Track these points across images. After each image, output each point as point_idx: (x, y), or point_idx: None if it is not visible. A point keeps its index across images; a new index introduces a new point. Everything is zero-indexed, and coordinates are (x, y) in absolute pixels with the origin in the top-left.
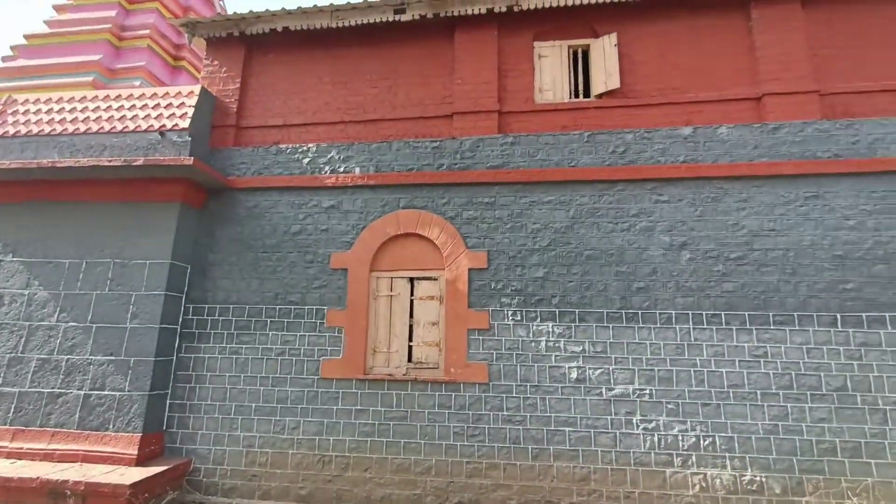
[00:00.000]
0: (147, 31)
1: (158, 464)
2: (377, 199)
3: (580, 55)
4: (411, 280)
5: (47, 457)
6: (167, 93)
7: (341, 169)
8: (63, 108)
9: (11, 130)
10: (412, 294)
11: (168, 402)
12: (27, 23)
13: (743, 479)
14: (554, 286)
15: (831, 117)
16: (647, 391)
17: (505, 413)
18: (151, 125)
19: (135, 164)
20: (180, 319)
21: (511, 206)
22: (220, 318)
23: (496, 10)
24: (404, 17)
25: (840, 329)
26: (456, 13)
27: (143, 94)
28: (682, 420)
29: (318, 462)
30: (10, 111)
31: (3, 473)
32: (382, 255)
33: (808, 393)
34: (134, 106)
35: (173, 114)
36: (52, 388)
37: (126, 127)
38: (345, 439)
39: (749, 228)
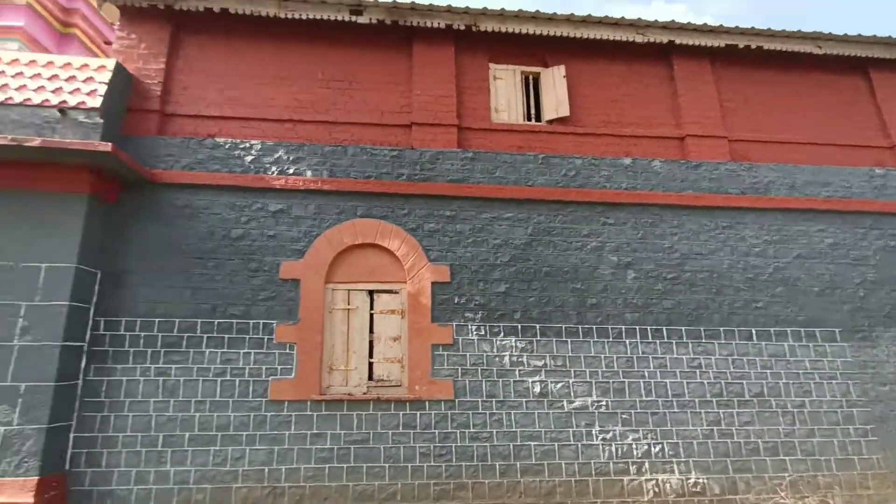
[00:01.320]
0: None
1: None
2: (332, 206)
3: (531, 81)
4: (371, 293)
5: None
6: (69, 63)
7: (290, 171)
8: None
9: None
10: (372, 307)
11: (72, 436)
12: None
13: (688, 481)
14: (516, 301)
15: (737, 160)
16: (604, 403)
17: (471, 430)
18: (47, 99)
19: (28, 144)
20: (88, 336)
21: (473, 220)
22: (142, 334)
23: (455, 26)
24: (360, 19)
25: (755, 342)
26: (415, 23)
27: (35, 62)
28: (634, 429)
29: (268, 495)
30: None
31: None
32: (339, 265)
33: (735, 399)
34: (21, 74)
35: (77, 89)
36: None
37: (10, 98)
38: (299, 467)
39: (681, 252)
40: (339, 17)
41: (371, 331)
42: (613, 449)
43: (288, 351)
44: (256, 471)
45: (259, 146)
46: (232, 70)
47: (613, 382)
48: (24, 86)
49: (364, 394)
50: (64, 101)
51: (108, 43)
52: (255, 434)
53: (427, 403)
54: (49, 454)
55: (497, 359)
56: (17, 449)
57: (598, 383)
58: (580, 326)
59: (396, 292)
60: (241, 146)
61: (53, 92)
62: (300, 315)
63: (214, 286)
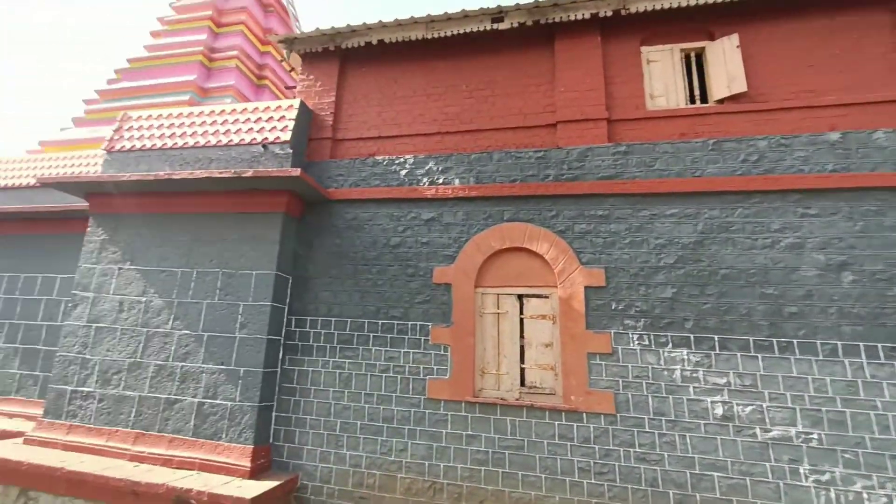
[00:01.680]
0: (235, 52)
1: (269, 478)
2: (479, 212)
3: (693, 59)
4: (520, 297)
5: (166, 462)
6: (267, 107)
7: (440, 180)
8: (172, 124)
9: (128, 145)
10: (521, 312)
11: (274, 414)
12: (129, 49)
13: None
14: (686, 308)
15: None
16: (815, 436)
17: (637, 450)
18: (254, 138)
19: (244, 175)
20: (283, 331)
21: (628, 219)
22: (323, 332)
23: (601, 14)
24: (502, 26)
25: None
26: (557, 20)
27: (245, 109)
28: (865, 474)
29: (428, 488)
30: (125, 127)
31: (130, 478)
32: (487, 270)
33: None
34: (237, 120)
35: (274, 127)
36: (169, 394)
37: (231, 140)
38: (456, 466)
39: None
40: (482, 28)
41: (522, 335)
42: (833, 496)
43: (443, 352)
44: (418, 464)
45: (412, 160)
46: (387, 93)
47: (828, 412)
48: (239, 129)
49: (517, 399)
50: (265, 139)
51: (289, 87)
52: (416, 429)
53: (585, 416)
54: (259, 428)
55: (665, 372)
56: (239, 420)
57: (805, 411)
58: (774, 340)
59: (546, 297)
60: (397, 161)
61: (258, 132)
62: (453, 318)
63: (378, 290)
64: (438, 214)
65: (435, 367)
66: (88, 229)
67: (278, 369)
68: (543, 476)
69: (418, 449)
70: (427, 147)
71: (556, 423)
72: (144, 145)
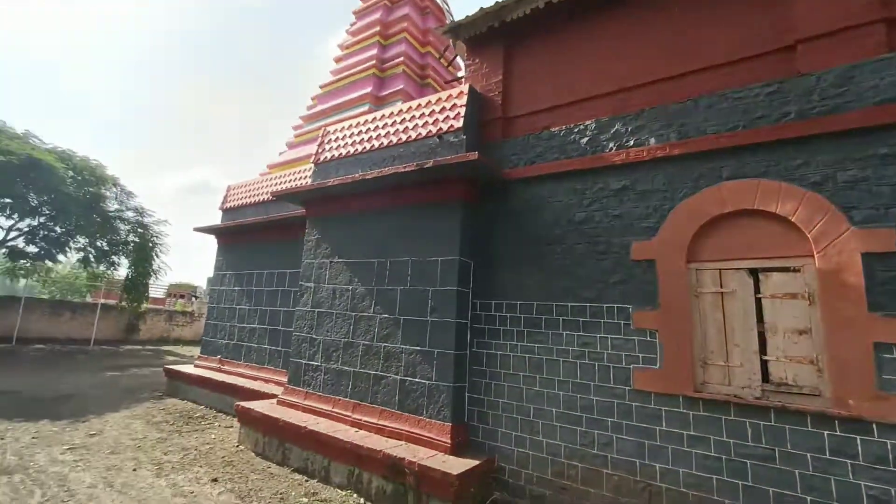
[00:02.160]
0: (401, 59)
1: (468, 455)
2: (686, 173)
3: None
4: (753, 272)
5: (379, 431)
6: (439, 98)
7: (630, 143)
8: (361, 131)
9: (328, 156)
10: (757, 291)
11: (467, 395)
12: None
13: None
14: None
15: None
16: None
17: None
18: (430, 131)
19: (424, 166)
20: (469, 315)
21: None
22: (508, 315)
23: None
24: None
25: None
26: None
27: (419, 105)
28: None
29: (643, 490)
30: (325, 141)
31: (354, 441)
32: (702, 241)
33: None
34: (413, 117)
35: (447, 117)
36: (376, 370)
37: (409, 137)
38: (677, 470)
39: None
40: None
41: (760, 320)
42: None
43: (649, 338)
44: (627, 461)
45: (593, 125)
46: (556, 60)
47: None
48: (416, 125)
49: (758, 399)
50: (440, 129)
51: (448, 81)
52: (621, 423)
53: (875, 427)
54: (455, 407)
55: None
56: (437, 398)
57: None
58: None
59: (796, 270)
60: (576, 130)
61: (433, 124)
62: (660, 300)
63: (565, 271)
64: (631, 182)
65: (640, 356)
66: (306, 231)
67: (468, 352)
68: (809, 499)
69: (626, 445)
70: (610, 108)
71: (826, 432)
72: (340, 154)
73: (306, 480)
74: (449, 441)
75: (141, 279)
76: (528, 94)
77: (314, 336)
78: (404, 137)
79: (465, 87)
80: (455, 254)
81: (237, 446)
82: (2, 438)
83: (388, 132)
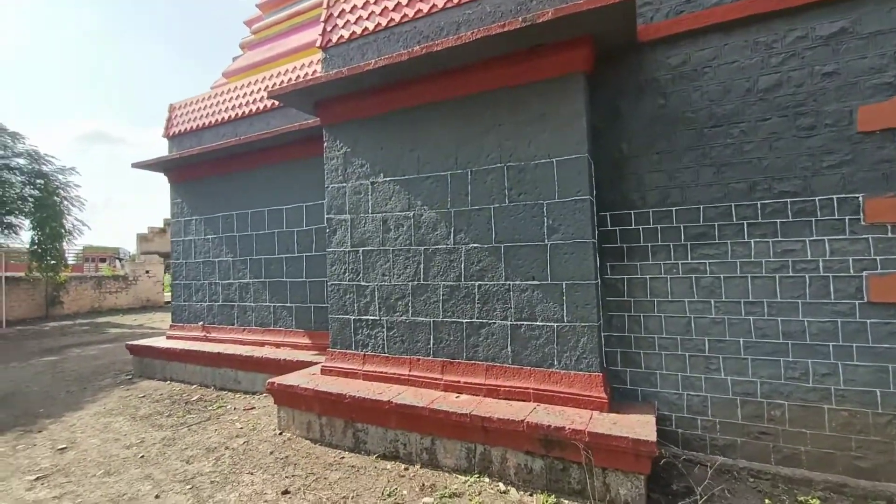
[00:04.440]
0: None
1: (628, 410)
2: None
3: None
4: None
5: (490, 393)
6: None
7: None
8: None
9: (346, 34)
10: None
11: (602, 335)
12: None
13: None
14: None
15: None
16: None
17: None
18: None
19: (540, 20)
20: (595, 232)
21: None
22: (659, 227)
23: None
24: None
25: None
26: None
27: None
28: None
29: (885, 425)
30: (336, 13)
31: (474, 412)
32: None
33: None
34: None
35: None
36: (470, 318)
37: None
38: None
39: None
40: None
41: None
42: None
43: (890, 234)
44: (860, 392)
45: None
46: None
47: None
48: None
49: None
50: None
51: None
52: (850, 346)
53: None
54: (603, 352)
55: None
56: (574, 344)
57: None
58: None
59: None
60: None
61: None
62: None
63: (747, 159)
64: (851, 22)
65: (878, 259)
66: (326, 144)
67: (597, 281)
68: None
69: (856, 373)
70: None
71: None
72: (366, 28)
73: (406, 469)
74: (605, 395)
75: (50, 243)
76: None
77: (362, 283)
78: None
79: None
80: (581, 150)
81: (279, 434)
82: None
83: None
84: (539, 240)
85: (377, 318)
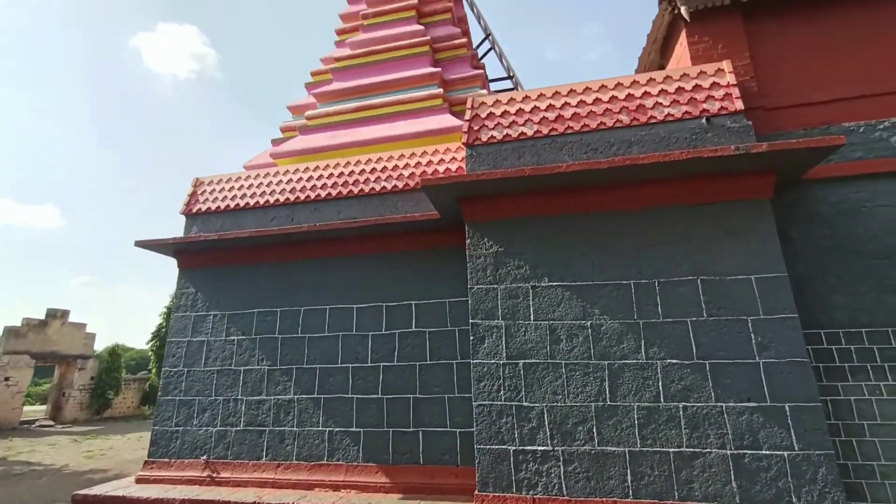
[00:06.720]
0: (463, 41)
1: None
2: None
3: None
4: None
5: None
6: (684, 74)
7: None
8: (553, 105)
9: (497, 135)
10: None
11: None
12: None
13: None
14: None
15: None
16: None
17: None
18: (686, 112)
19: (754, 150)
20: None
21: None
22: (852, 347)
23: None
24: None
25: None
26: None
27: (652, 80)
28: None
29: None
30: (483, 115)
31: None
32: None
33: None
34: (647, 94)
35: (709, 97)
36: (678, 446)
37: (652, 117)
38: None
39: None
40: None
41: None
42: None
43: None
44: None
45: None
46: (830, 41)
47: None
48: (657, 104)
49: None
50: (703, 111)
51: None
52: None
53: None
54: (840, 484)
55: None
56: (811, 477)
57: None
58: None
59: None
60: (880, 126)
61: (686, 104)
62: None
63: None
64: None
65: None
66: (469, 242)
67: (820, 403)
68: None
69: None
70: None
71: None
72: (523, 133)
73: None
74: None
75: None
76: (792, 80)
77: (525, 403)
78: (643, 118)
79: (725, 65)
80: (780, 268)
81: None
82: None
83: (612, 109)
84: (748, 356)
85: (549, 447)
